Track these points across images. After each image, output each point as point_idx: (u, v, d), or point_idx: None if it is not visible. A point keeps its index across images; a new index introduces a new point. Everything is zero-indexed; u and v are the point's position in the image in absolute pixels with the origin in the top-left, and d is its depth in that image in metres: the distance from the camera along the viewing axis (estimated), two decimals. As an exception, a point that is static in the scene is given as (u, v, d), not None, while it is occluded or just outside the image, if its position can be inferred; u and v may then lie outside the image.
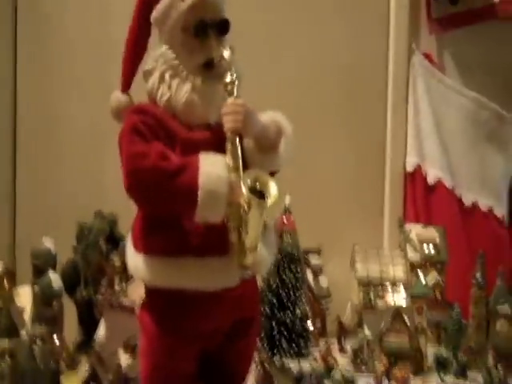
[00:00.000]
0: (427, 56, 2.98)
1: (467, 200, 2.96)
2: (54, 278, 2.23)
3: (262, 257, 1.54)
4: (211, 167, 1.43)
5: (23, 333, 2.05)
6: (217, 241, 1.48)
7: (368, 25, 2.95)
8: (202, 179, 1.41)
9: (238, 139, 1.47)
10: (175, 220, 1.49)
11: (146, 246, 1.53)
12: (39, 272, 2.29)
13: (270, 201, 1.42)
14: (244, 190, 1.40)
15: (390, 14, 2.96)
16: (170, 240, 1.50)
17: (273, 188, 1.44)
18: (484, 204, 2.96)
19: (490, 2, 2.94)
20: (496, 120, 3.02)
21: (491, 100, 3.00)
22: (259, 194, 1.42)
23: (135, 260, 1.56)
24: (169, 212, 1.48)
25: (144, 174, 1.43)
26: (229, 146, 1.47)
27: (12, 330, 1.92)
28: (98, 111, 2.70)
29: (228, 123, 1.47)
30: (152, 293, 1.58)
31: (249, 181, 1.42)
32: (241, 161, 1.47)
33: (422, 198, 2.91)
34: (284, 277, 2.12)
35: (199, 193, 1.41)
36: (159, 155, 1.43)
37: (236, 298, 1.57)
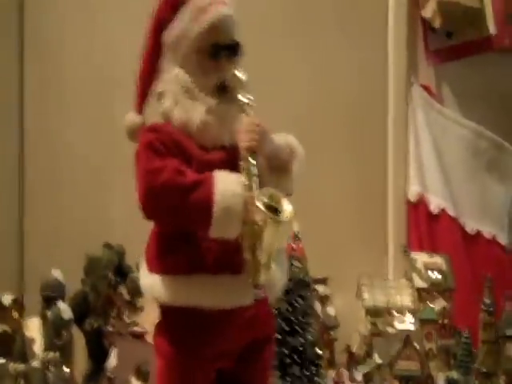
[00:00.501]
0: (426, 88, 3.03)
1: (470, 228, 2.99)
2: (64, 308, 2.23)
3: (275, 277, 1.55)
4: (226, 184, 1.44)
5: (34, 363, 2.04)
6: (231, 259, 1.48)
7: (367, 58, 3.01)
8: (217, 196, 1.42)
9: (252, 157, 1.50)
10: (189, 240, 1.50)
11: (161, 266, 1.54)
12: (48, 303, 2.28)
13: (284, 217, 1.43)
14: (259, 206, 1.41)
15: (388, 47, 3.02)
16: (185, 259, 1.50)
17: (287, 205, 1.45)
18: (487, 232, 2.99)
19: (484, 35, 3.01)
20: (495, 149, 3.07)
21: (490, 129, 3.06)
22: (274, 211, 1.44)
23: (150, 280, 1.56)
24: (183, 227, 1.49)
25: (160, 190, 1.44)
26: (243, 164, 1.48)
27: (25, 356, 1.91)
28: (104, 145, 2.76)
29: (243, 141, 1.49)
30: (166, 314, 1.58)
31: (264, 198, 1.43)
32: (256, 179, 1.49)
33: (426, 226, 2.94)
34: (294, 303, 2.11)
35: (214, 209, 1.42)
36: (175, 170, 1.45)
37: (250, 319, 1.57)
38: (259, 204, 1.41)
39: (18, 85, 2.78)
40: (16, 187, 2.76)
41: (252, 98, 1.53)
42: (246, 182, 1.46)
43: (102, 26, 2.81)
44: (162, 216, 1.48)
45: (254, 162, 1.48)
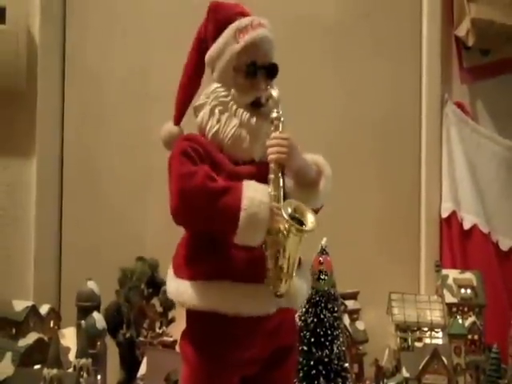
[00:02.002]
0: (460, 105, 3.04)
1: (504, 245, 2.97)
2: (98, 319, 2.28)
3: (296, 288, 1.59)
4: (254, 193, 1.50)
5: (69, 370, 2.10)
6: (256, 269, 1.54)
7: (401, 76, 3.04)
8: (245, 202, 1.48)
9: (280, 170, 1.55)
10: (217, 248, 1.56)
11: (189, 272, 1.60)
12: (83, 313, 2.35)
13: (308, 228, 1.48)
14: (285, 215, 1.46)
15: (422, 64, 3.05)
16: (212, 266, 1.57)
17: (311, 217, 1.49)
18: (521, 248, 2.98)
19: (519, 53, 3.03)
20: (529, 166, 3.06)
21: (524, 147, 3.05)
22: (298, 222, 1.48)
23: (176, 285, 1.63)
24: (211, 231, 1.54)
25: (191, 193, 1.51)
26: (272, 177, 1.54)
27: (59, 362, 1.97)
28: (138, 162, 2.84)
29: (272, 154, 1.55)
30: (192, 321, 1.63)
31: (289, 209, 1.48)
32: (282, 191, 1.54)
33: (458, 243, 2.93)
34: (322, 316, 2.13)
35: (241, 214, 1.48)
36: (206, 175, 1.52)
37: (274, 327, 1.62)
38: (284, 214, 1.46)
39: (59, 105, 2.88)
40: (55, 204, 2.85)
41: (282, 113, 1.59)
42: (273, 193, 1.52)
43: (139, 50, 2.90)
44: (191, 219, 1.55)
45: (281, 175, 1.54)
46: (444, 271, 2.71)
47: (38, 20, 2.83)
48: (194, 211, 1.52)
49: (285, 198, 1.53)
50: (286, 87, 2.43)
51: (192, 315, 1.63)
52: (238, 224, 1.48)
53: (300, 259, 1.60)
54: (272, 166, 1.55)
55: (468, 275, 2.67)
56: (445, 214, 2.96)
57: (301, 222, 1.48)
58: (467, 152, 3.01)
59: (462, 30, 2.99)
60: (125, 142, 2.88)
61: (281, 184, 1.54)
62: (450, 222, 2.96)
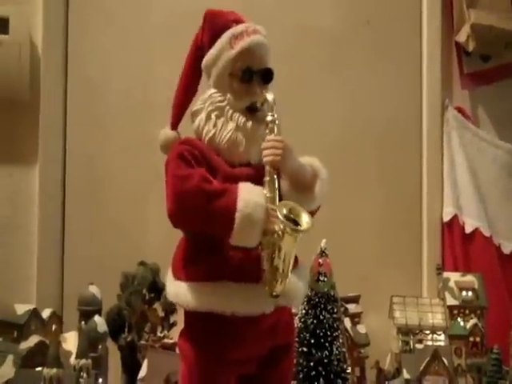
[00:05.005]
0: (461, 110, 3.05)
1: (506, 248, 2.97)
2: (100, 323, 2.29)
3: (293, 286, 1.60)
4: (250, 194, 1.52)
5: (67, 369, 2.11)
6: (253, 268, 1.55)
7: (402, 81, 3.05)
8: (241, 204, 1.50)
9: (275, 172, 1.56)
10: (214, 249, 1.58)
11: (187, 273, 1.61)
12: (85, 317, 2.37)
13: (303, 228, 1.49)
14: (280, 216, 1.47)
15: (422, 70, 3.06)
16: (209, 267, 1.58)
17: (306, 218, 1.51)
18: (523, 251, 2.97)
19: (518, 58, 3.04)
20: (530, 169, 3.06)
21: (525, 150, 3.05)
22: (293, 223, 1.49)
23: (176, 287, 1.63)
24: (207, 233, 1.56)
25: (188, 195, 1.52)
26: (267, 179, 1.56)
27: (58, 362, 1.98)
28: (140, 169, 2.86)
29: (267, 157, 1.57)
30: (190, 320, 1.65)
31: (284, 210, 1.49)
32: (277, 193, 1.55)
33: (460, 246, 2.93)
34: (321, 317, 2.14)
35: (236, 215, 1.49)
36: (202, 178, 1.53)
37: (270, 326, 1.62)
38: (279, 215, 1.47)
39: (61, 114, 2.91)
40: (58, 210, 2.88)
41: (277, 117, 1.60)
42: (269, 195, 1.53)
43: (140, 59, 2.94)
44: (187, 220, 1.56)
45: (276, 177, 1.56)
46: (445, 274, 2.71)
47: (40, 30, 2.86)
48: (189, 213, 1.54)
49: (280, 200, 1.55)
50: (288, 94, 2.49)
51: (189, 314, 1.64)
52: (233, 225, 1.50)
53: (297, 259, 1.60)
54: (267, 168, 1.57)
55: (469, 278, 2.67)
56: (446, 218, 2.96)
57: (296, 223, 1.49)
58: (468, 156, 3.01)
59: (462, 35, 3.01)
60: (126, 149, 2.90)
61: (276, 186, 1.56)
62: (451, 226, 2.96)
